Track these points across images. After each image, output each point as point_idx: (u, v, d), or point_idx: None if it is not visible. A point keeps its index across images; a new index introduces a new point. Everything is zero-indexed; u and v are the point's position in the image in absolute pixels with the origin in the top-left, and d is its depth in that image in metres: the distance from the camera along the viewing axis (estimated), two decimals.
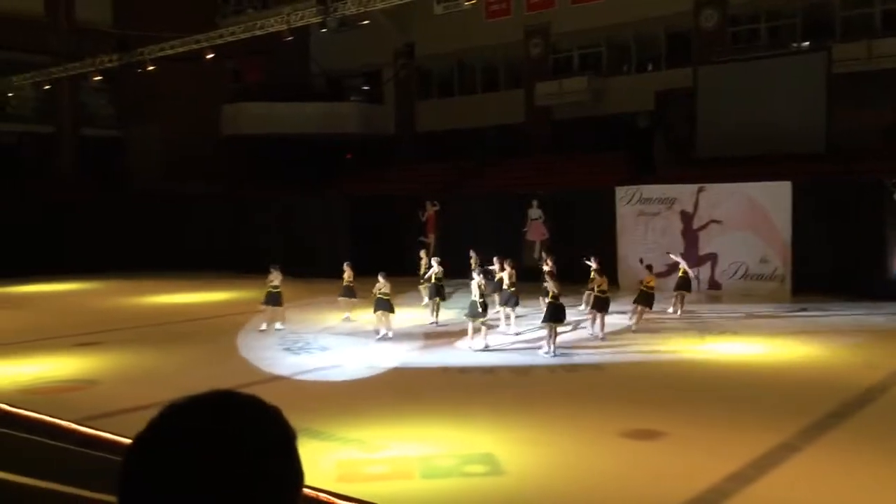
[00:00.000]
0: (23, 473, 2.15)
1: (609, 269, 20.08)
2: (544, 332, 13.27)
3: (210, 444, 1.03)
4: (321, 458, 7.47)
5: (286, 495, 1.08)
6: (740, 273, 20.18)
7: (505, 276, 15.43)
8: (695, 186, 20.85)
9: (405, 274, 19.15)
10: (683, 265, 17.51)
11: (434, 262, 17.05)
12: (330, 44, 30.97)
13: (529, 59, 29.93)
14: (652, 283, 15.59)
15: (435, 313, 16.40)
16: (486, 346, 13.51)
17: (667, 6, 26.44)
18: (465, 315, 13.99)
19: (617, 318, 15.59)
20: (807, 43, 24.72)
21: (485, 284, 14.16)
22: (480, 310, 13.52)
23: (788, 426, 8.63)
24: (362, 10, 20.57)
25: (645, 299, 15.27)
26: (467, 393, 10.77)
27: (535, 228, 23.50)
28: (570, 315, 14.73)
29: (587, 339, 14.36)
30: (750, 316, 16.96)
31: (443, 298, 16.82)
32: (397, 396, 10.63)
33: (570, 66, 29.51)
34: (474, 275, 14.14)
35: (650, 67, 28.28)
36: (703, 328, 15.37)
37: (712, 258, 20.57)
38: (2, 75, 28.46)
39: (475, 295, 13.56)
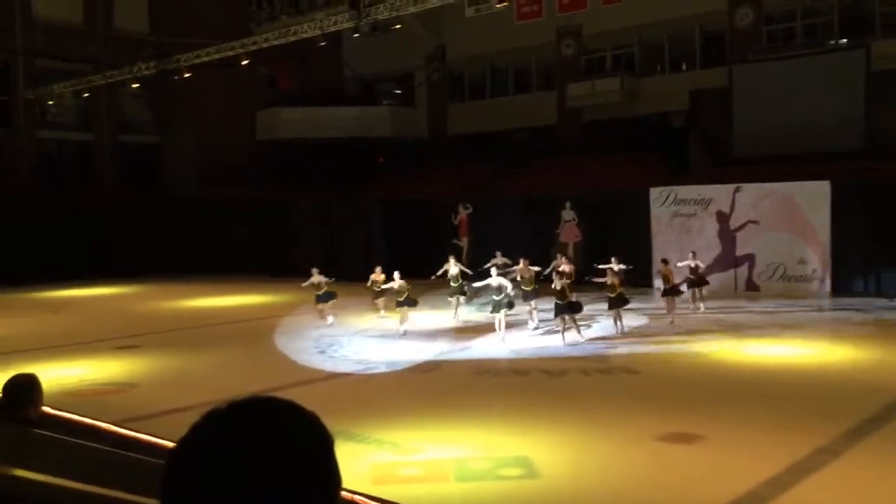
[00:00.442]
0: (64, 476, 2.20)
1: (644, 270, 20.16)
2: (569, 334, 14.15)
3: (251, 448, 1.06)
4: (356, 461, 7.52)
5: (325, 498, 1.10)
6: (778, 274, 19.90)
7: (526, 275, 16.20)
8: (731, 186, 20.60)
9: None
10: (692, 264, 17.60)
11: (452, 262, 17.76)
12: (362, 48, 31.12)
13: (561, 61, 29.83)
14: (670, 276, 16.43)
15: (455, 311, 17.29)
16: (503, 339, 14.26)
17: (701, 5, 26.18)
18: (490, 311, 14.82)
19: (639, 320, 15.45)
20: (844, 40, 24.30)
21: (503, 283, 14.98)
22: (504, 306, 14.46)
23: (827, 430, 8.49)
24: (394, 14, 20.67)
25: (671, 291, 16.23)
26: (501, 395, 10.75)
27: (568, 230, 23.40)
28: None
29: (620, 341, 14.27)
30: (788, 317, 16.73)
31: (463, 295, 17.72)
32: (431, 398, 10.66)
33: (602, 67, 29.36)
34: (493, 272, 15.21)
35: (684, 67, 28.02)
36: (741, 330, 15.17)
37: (750, 259, 20.31)
38: (43, 84, 29.09)
39: (495, 292, 14.53)
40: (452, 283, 17.60)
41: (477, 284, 16.41)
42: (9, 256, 25.29)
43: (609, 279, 15.17)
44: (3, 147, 30.02)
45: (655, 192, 21.65)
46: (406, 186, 29.03)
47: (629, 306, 15.65)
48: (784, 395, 10.36)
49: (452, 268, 17.68)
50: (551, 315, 14.97)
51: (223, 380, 11.75)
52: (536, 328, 15.57)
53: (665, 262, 17.09)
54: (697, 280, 17.54)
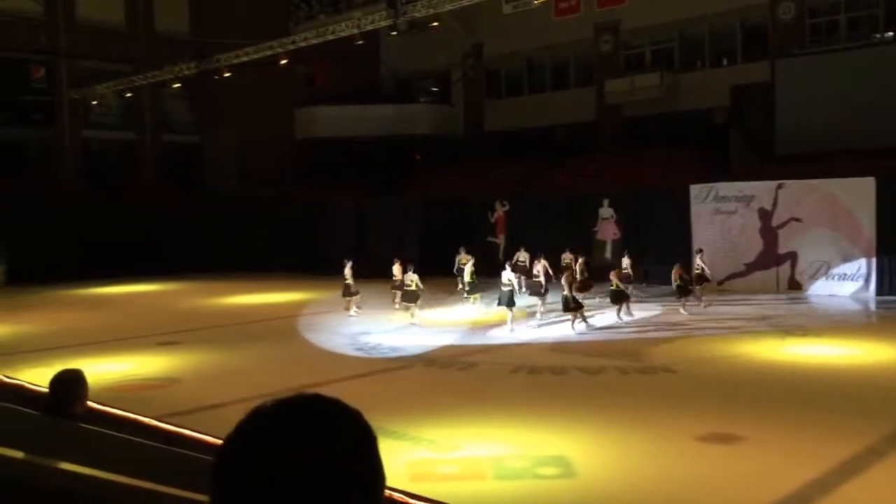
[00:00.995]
0: (109, 470, 2.23)
1: (685, 269, 19.99)
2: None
3: (297, 445, 1.07)
4: (393, 458, 7.54)
5: (369, 495, 1.11)
6: (822, 272, 19.53)
7: (540, 269, 17.12)
8: (774, 183, 20.27)
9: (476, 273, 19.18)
10: (701, 263, 18.22)
11: (467, 258, 18.52)
12: (399, 46, 31.26)
13: (599, 56, 29.60)
14: (681, 273, 17.11)
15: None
16: (512, 330, 15.22)
17: None
18: (499, 304, 15.86)
19: (677, 316, 15.27)
20: (890, 33, 23.78)
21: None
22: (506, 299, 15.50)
23: (871, 431, 8.31)
24: (432, 12, 20.69)
25: (682, 290, 16.95)
26: (538, 393, 10.72)
27: (607, 227, 23.23)
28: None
29: (659, 339, 14.13)
30: (832, 317, 16.42)
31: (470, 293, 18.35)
32: (467, 396, 10.66)
33: (641, 63, 29.07)
34: (507, 266, 16.22)
35: (725, 62, 27.64)
36: (783, 329, 14.93)
37: (792, 257, 19.97)
38: (86, 84, 29.65)
39: (507, 286, 15.56)
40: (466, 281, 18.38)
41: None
42: (54, 254, 25.85)
43: (614, 276, 16.44)
44: (49, 146, 30.68)
45: (696, 189, 21.39)
46: (443, 184, 29.04)
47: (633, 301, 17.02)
48: (827, 395, 10.18)
49: (469, 264, 18.41)
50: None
51: (263, 375, 11.88)
52: (539, 323, 16.21)
53: (680, 266, 17.53)
54: (700, 278, 18.05)
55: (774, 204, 20.19)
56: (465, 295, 18.53)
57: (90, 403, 4.72)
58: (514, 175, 28.00)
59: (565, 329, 15.26)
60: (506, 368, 12.21)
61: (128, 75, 28.47)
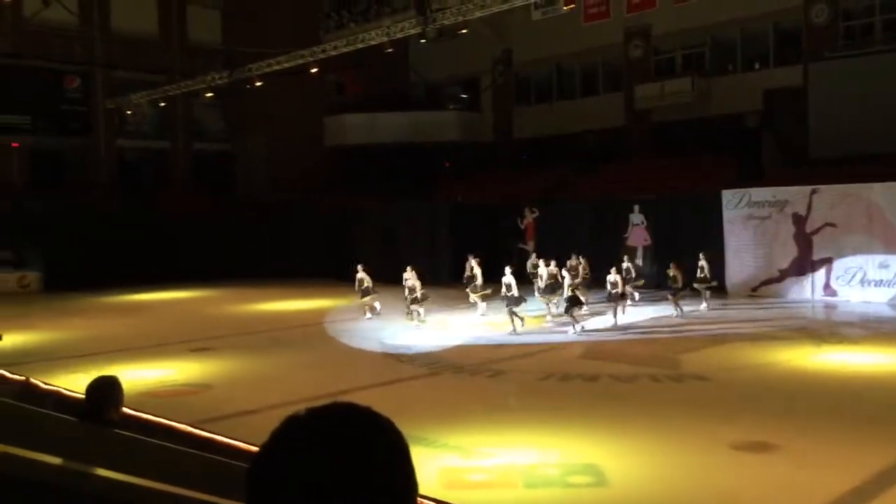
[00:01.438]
0: (145, 476, 2.25)
1: (718, 274, 19.92)
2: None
3: (331, 454, 1.08)
4: (424, 465, 7.53)
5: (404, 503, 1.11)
6: (857, 279, 19.21)
7: (545, 272, 17.83)
8: (808, 188, 19.99)
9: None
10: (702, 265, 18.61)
11: (475, 264, 18.89)
12: (428, 53, 31.32)
13: (629, 62, 29.44)
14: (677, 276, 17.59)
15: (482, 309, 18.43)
16: (515, 331, 15.80)
17: (775, 2, 25.48)
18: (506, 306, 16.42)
19: (709, 327, 15.08)
20: None
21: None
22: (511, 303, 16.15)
23: None
24: (461, 19, 20.74)
25: (674, 291, 17.57)
26: (569, 401, 10.64)
27: (637, 234, 23.06)
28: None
29: (691, 346, 13.98)
30: (868, 324, 16.13)
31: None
32: (498, 403, 10.63)
33: (672, 67, 28.86)
34: (507, 271, 16.85)
35: (757, 66, 27.32)
36: (818, 337, 14.70)
37: (827, 263, 19.66)
38: (121, 94, 30.13)
39: (508, 290, 16.37)
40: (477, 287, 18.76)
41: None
42: (89, 261, 26.25)
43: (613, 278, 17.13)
44: (84, 155, 31.21)
45: (728, 195, 21.17)
46: (472, 190, 29.04)
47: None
48: (863, 403, 10.00)
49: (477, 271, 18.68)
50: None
51: (293, 381, 11.95)
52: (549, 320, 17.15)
53: (678, 263, 17.97)
54: (703, 280, 18.45)
55: (809, 209, 19.91)
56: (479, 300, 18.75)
57: (125, 409, 4.77)
58: (543, 181, 27.92)
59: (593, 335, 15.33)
60: (535, 376, 12.15)
61: (161, 85, 28.87)
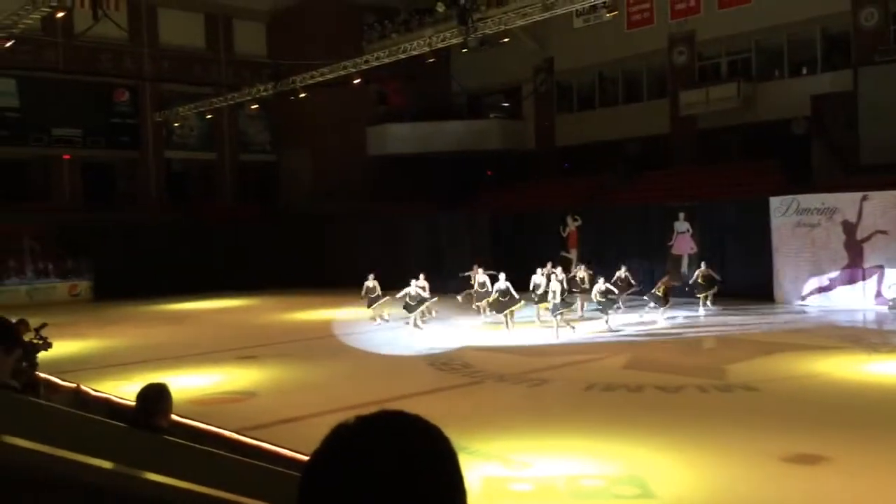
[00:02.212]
0: (193, 482, 2.29)
1: (764, 284, 19.61)
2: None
3: (382, 462, 1.09)
4: (467, 475, 7.50)
5: None
6: None
7: (542, 280, 18.21)
8: (858, 195, 19.56)
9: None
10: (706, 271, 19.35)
11: (501, 276, 18.27)
12: (470, 62, 31.38)
13: (673, 68, 29.15)
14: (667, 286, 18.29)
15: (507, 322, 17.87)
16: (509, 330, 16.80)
17: (823, 6, 25.04)
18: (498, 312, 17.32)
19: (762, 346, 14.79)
20: None
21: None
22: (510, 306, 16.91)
23: None
24: (502, 27, 20.78)
25: (657, 300, 18.19)
26: (613, 411, 10.53)
27: (682, 242, 22.77)
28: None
29: (739, 356, 13.75)
30: None
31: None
32: (541, 412, 10.56)
33: (717, 73, 28.50)
34: (501, 277, 17.42)
35: (805, 71, 26.85)
36: (868, 347, 14.35)
37: (878, 271, 19.20)
38: (169, 107, 30.76)
39: (504, 294, 17.09)
40: (501, 297, 18.28)
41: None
42: (137, 270, 26.81)
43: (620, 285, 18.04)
44: (134, 168, 31.90)
45: (776, 202, 20.81)
46: (514, 198, 28.98)
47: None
48: None
49: (502, 281, 18.09)
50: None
51: (337, 389, 12.03)
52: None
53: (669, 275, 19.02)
54: (706, 285, 19.08)
55: (859, 216, 19.47)
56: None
57: (174, 416, 4.86)
58: (586, 189, 27.75)
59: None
60: (579, 385, 12.06)
61: (208, 97, 29.40)
